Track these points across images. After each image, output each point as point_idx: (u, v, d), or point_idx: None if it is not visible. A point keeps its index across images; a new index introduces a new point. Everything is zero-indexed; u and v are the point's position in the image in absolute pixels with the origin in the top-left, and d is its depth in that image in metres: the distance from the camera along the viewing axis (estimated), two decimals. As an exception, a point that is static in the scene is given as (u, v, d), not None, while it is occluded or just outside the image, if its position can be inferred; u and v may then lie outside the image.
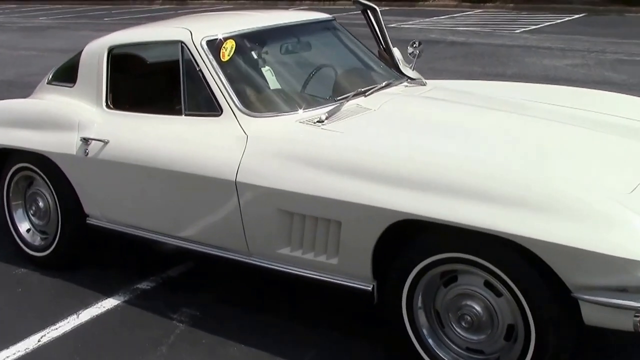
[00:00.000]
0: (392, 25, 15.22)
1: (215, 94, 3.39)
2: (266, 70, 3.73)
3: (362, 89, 3.65)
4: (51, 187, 4.02)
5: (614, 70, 9.40)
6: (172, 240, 3.59)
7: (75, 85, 4.02)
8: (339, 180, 2.88)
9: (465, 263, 2.72)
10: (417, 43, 4.33)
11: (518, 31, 14.22)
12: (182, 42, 3.56)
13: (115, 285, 3.88)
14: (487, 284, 2.71)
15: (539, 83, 5.41)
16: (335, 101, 3.50)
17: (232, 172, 3.15)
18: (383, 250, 2.88)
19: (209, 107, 3.43)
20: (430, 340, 2.90)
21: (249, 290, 3.80)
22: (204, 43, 3.51)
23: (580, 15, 17.08)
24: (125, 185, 3.66)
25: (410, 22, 16.38)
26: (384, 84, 3.83)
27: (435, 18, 17.48)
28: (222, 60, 3.50)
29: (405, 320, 2.92)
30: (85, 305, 3.69)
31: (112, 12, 23.24)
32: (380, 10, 4.24)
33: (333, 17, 4.34)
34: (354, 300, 3.03)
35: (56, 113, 3.99)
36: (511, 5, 19.48)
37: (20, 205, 4.34)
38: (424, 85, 4.03)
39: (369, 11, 4.43)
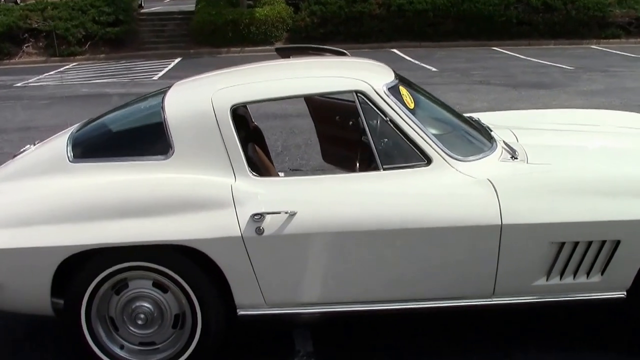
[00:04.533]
0: (17, 84, 13.88)
1: (419, 143, 3.17)
2: (430, 114, 3.55)
3: (487, 128, 3.75)
4: (186, 284, 3.12)
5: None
6: (370, 305, 3.20)
7: (175, 156, 3.19)
8: (616, 202, 3.09)
9: None
10: None
11: (155, 77, 14.31)
12: (359, 91, 3.21)
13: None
14: None
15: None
16: (490, 141, 3.53)
17: (496, 216, 3.05)
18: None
19: (410, 158, 3.18)
20: None
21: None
22: (387, 91, 3.24)
23: (179, 59, 17.92)
24: (324, 257, 3.11)
25: (25, 81, 14.82)
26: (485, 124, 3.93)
27: (46, 74, 16.05)
28: (409, 107, 3.28)
29: None
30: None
31: None
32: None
33: None
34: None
35: (188, 192, 3.10)
36: (102, 56, 19.15)
37: (98, 320, 3.22)
38: None
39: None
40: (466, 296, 3.20)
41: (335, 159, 4.71)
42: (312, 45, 4.88)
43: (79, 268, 3.13)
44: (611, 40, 19.60)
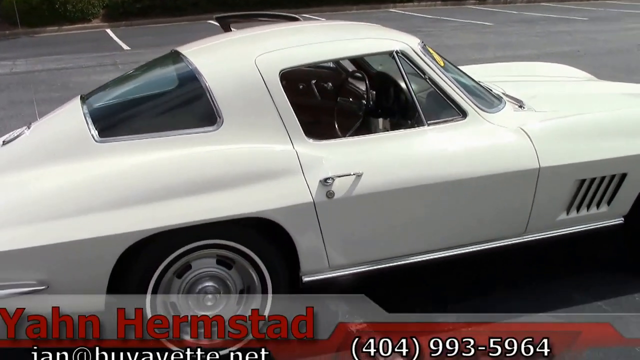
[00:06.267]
0: None
1: (455, 99, 3.25)
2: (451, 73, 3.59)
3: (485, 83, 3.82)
4: (256, 256, 2.96)
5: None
6: (425, 255, 3.26)
7: (225, 126, 2.99)
8: (624, 140, 3.44)
9: None
10: None
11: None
12: (399, 52, 3.22)
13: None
14: None
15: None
16: (496, 94, 3.65)
17: (534, 160, 3.26)
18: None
19: (448, 113, 3.27)
20: None
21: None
22: (422, 50, 3.30)
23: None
24: (389, 214, 3.12)
25: None
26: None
27: None
28: (441, 65, 3.37)
29: None
30: None
31: None
32: None
33: None
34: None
35: (254, 163, 2.95)
36: None
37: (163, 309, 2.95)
38: None
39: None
40: (503, 237, 3.39)
41: None
42: (258, 12, 4.74)
43: (138, 257, 2.84)
44: (406, 4, 20.74)
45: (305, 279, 3.10)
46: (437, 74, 3.25)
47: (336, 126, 3.68)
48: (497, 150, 3.26)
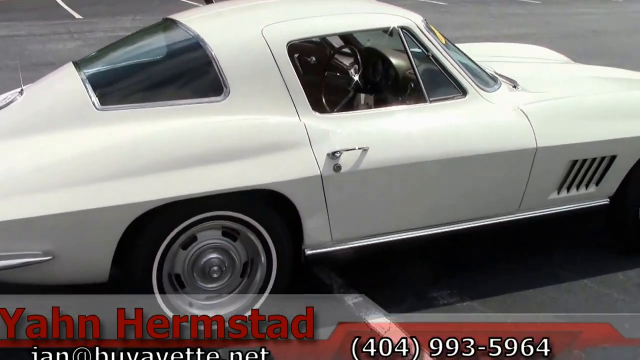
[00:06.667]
0: None
1: (456, 76, 3.29)
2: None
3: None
4: (263, 229, 2.95)
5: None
6: (421, 231, 3.30)
7: (231, 96, 2.95)
8: (615, 122, 3.54)
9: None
10: None
11: None
12: (404, 28, 3.24)
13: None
14: None
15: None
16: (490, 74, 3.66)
17: (532, 140, 3.32)
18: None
19: (448, 90, 3.31)
20: None
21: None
22: (425, 27, 3.31)
23: None
24: (392, 189, 3.14)
25: None
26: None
27: None
28: (443, 43, 3.39)
29: None
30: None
31: None
32: None
33: None
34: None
35: (264, 135, 2.94)
36: None
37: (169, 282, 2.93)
38: None
39: None
40: (498, 213, 3.45)
41: None
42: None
43: (146, 228, 2.79)
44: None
45: (308, 252, 3.10)
46: (439, 51, 3.28)
47: (327, 101, 3.65)
48: (497, 128, 3.32)
